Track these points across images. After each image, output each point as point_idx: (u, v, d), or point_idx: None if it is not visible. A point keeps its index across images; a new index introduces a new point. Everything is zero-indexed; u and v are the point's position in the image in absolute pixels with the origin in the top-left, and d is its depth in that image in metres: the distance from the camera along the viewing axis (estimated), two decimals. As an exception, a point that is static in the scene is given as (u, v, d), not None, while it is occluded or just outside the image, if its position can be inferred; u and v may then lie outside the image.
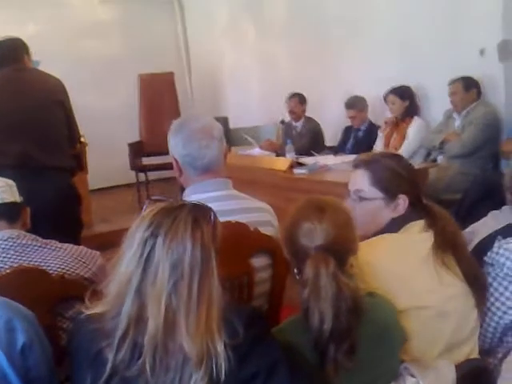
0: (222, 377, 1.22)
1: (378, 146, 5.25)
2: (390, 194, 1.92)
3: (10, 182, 2.14)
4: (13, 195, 2.10)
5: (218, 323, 1.27)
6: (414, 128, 5.00)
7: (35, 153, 3.12)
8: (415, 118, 5.06)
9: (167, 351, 1.25)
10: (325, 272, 1.42)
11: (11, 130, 3.12)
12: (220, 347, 1.24)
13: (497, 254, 1.89)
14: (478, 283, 1.83)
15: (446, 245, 1.80)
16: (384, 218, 1.94)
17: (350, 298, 1.43)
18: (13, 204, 2.09)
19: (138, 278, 1.28)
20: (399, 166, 1.94)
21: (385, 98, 5.23)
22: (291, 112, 6.20)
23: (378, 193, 1.94)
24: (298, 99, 6.14)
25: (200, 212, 1.36)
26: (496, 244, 1.91)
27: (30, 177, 2.99)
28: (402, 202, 1.91)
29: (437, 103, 5.15)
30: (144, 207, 1.42)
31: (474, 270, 1.84)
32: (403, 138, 5.01)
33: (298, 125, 6.20)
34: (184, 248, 1.28)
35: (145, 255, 1.28)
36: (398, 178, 1.93)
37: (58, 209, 3.06)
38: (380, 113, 5.58)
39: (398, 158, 2.04)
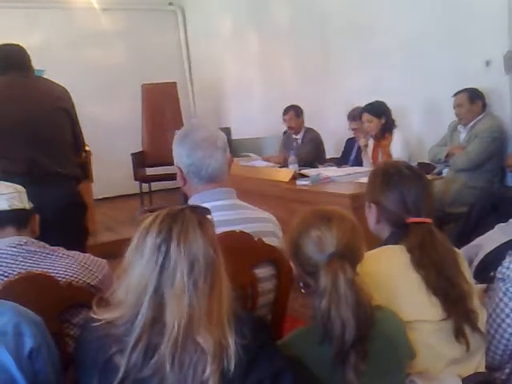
0: (232, 369, 1.26)
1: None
2: (368, 199, 1.97)
3: (21, 188, 2.14)
4: (22, 202, 2.09)
5: (229, 317, 1.32)
6: (397, 144, 4.86)
7: (41, 160, 3.13)
8: (395, 132, 4.92)
9: (185, 348, 1.28)
10: (343, 279, 1.42)
11: (17, 137, 3.13)
12: (231, 339, 1.28)
13: (507, 268, 1.87)
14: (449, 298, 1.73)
15: (426, 265, 1.74)
16: (371, 221, 1.98)
17: (368, 304, 1.43)
18: (22, 211, 2.08)
19: (155, 283, 1.31)
20: (384, 178, 1.92)
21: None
22: (289, 128, 6.15)
23: (366, 195, 2.02)
24: (294, 113, 6.07)
25: (200, 211, 1.42)
26: (507, 258, 1.89)
27: (37, 184, 2.94)
28: (371, 210, 1.95)
29: (442, 115, 5.13)
30: (138, 218, 1.44)
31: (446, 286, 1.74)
32: (389, 155, 4.89)
33: (299, 137, 6.16)
34: (197, 247, 1.33)
35: (160, 261, 1.32)
36: (372, 186, 1.97)
37: (64, 216, 3.06)
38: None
39: (400, 170, 1.93)
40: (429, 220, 1.84)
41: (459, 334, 1.68)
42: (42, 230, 2.26)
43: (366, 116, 4.97)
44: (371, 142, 5.15)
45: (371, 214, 1.96)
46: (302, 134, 6.14)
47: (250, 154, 6.14)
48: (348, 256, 1.47)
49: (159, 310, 1.30)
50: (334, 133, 6.27)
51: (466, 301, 1.71)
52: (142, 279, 1.32)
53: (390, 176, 1.91)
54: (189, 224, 1.34)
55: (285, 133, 6.34)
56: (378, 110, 4.92)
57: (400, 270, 1.75)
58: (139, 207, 7.40)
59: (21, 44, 3.41)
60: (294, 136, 6.19)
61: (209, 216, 1.44)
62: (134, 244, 1.37)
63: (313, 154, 5.75)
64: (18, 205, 2.06)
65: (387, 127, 4.94)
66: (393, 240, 1.85)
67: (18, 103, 3.18)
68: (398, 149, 4.82)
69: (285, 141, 6.36)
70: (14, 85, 3.25)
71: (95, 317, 1.38)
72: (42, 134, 3.17)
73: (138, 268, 1.33)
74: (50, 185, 3.10)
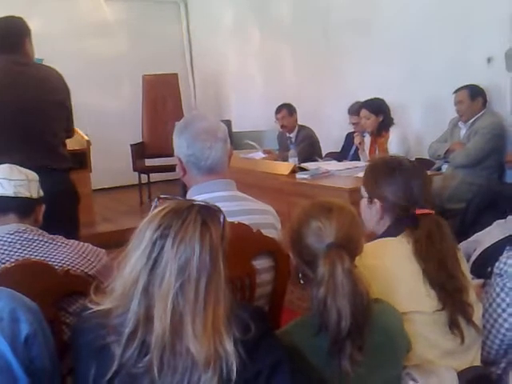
0: (234, 376, 1.23)
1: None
2: (370, 196, 1.95)
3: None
4: (29, 190, 2.08)
5: (226, 323, 1.26)
6: (394, 141, 4.83)
7: (33, 155, 2.98)
8: (392, 129, 4.89)
9: (174, 353, 1.24)
10: (341, 268, 1.43)
11: (9, 131, 3.01)
12: (230, 346, 1.24)
13: (505, 264, 1.88)
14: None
15: (428, 257, 1.76)
16: (371, 219, 1.96)
17: (365, 294, 1.44)
18: (26, 199, 2.07)
19: (145, 278, 1.27)
20: (386, 171, 1.92)
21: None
22: (283, 126, 6.08)
23: (365, 192, 1.99)
24: (287, 111, 5.99)
25: (209, 213, 1.34)
26: (505, 254, 1.90)
27: None
28: (376, 205, 1.93)
29: (442, 112, 5.13)
30: (153, 205, 1.39)
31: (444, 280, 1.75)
32: (386, 152, 4.82)
33: (292, 136, 6.09)
34: (192, 250, 1.26)
35: (153, 256, 1.27)
36: (373, 181, 1.96)
37: (54, 204, 3.01)
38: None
39: (400, 163, 1.94)
40: (433, 211, 1.85)
41: (453, 326, 1.70)
42: None
43: (363, 112, 4.96)
44: (368, 139, 5.15)
45: (373, 211, 1.95)
46: (295, 132, 6.06)
47: (253, 143, 6.10)
48: (346, 246, 1.48)
49: (149, 308, 1.26)
50: (334, 127, 6.26)
51: (462, 293, 1.73)
52: (134, 272, 1.28)
53: (393, 169, 1.91)
54: (189, 224, 1.27)
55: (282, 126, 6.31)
56: (377, 107, 4.90)
57: (397, 261, 1.76)
58: (148, 197, 7.45)
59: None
60: (287, 134, 6.13)
61: (220, 217, 1.35)
62: (136, 233, 1.31)
63: (307, 151, 5.69)
64: (23, 193, 2.05)
65: (384, 125, 4.92)
66: (394, 231, 1.85)
67: (12, 96, 3.03)
68: (395, 146, 4.79)
69: (279, 139, 6.34)
70: (7, 76, 3.08)
71: (91, 306, 1.36)
72: (36, 129, 3.07)
73: (133, 259, 1.29)
74: (40, 175, 3.05)
